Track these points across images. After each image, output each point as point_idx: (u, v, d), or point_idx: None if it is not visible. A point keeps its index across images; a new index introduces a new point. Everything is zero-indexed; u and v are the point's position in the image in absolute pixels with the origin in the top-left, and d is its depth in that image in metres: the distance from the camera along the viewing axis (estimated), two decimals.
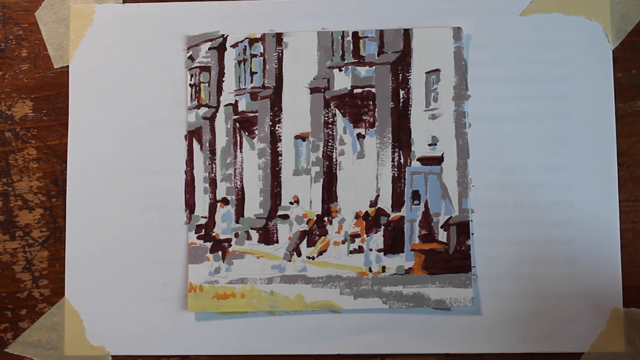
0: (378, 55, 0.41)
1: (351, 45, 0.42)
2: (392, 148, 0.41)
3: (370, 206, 0.41)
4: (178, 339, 0.41)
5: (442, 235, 0.40)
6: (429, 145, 0.41)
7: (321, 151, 0.41)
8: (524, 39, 0.41)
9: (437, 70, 0.41)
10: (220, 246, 0.41)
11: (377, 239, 0.40)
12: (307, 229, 0.41)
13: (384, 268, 0.40)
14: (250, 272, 0.41)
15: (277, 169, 0.41)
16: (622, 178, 0.41)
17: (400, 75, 0.41)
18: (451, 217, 0.40)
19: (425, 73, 0.41)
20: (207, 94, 0.42)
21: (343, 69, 0.41)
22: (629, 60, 0.41)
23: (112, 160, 0.42)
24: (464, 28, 0.41)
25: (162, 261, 0.41)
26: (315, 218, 0.41)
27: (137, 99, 0.42)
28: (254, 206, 0.41)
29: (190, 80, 0.42)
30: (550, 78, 0.41)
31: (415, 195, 0.41)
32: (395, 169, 0.41)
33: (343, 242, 0.41)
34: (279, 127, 0.42)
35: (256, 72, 0.42)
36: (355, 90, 0.41)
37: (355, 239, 0.41)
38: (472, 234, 0.40)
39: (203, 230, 0.41)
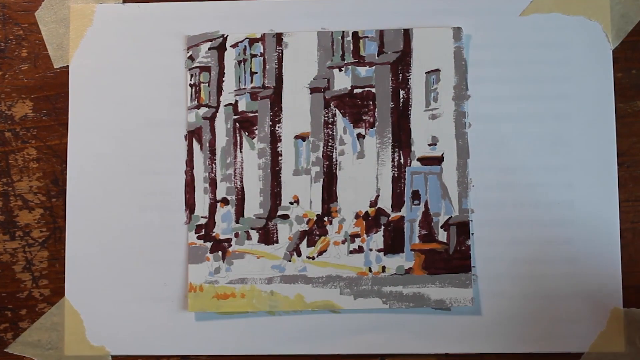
0: (378, 55, 0.41)
1: (351, 45, 0.42)
2: (392, 148, 0.41)
3: (370, 206, 0.41)
4: (178, 339, 0.41)
5: (442, 235, 0.40)
6: (429, 145, 0.41)
7: (321, 151, 0.41)
8: (524, 39, 0.41)
9: (437, 70, 0.41)
10: (220, 246, 0.41)
11: (377, 239, 0.40)
12: (307, 229, 0.41)
13: (384, 268, 0.40)
14: (250, 272, 0.41)
15: (277, 169, 0.41)
16: (622, 178, 0.41)
17: (400, 75, 0.41)
18: (451, 217, 0.40)
19: (425, 73, 0.41)
20: (207, 94, 0.42)
21: (343, 69, 0.41)
22: (629, 60, 0.41)
23: (112, 160, 0.42)
24: (464, 28, 0.41)
25: (162, 261, 0.41)
26: (315, 218, 0.41)
27: (137, 99, 0.42)
28: (254, 206, 0.41)
29: (190, 80, 0.42)
30: (550, 78, 0.41)
31: (415, 195, 0.41)
32: (395, 169, 0.41)
33: (343, 242, 0.41)
34: (279, 127, 0.42)
35: (256, 72, 0.42)
36: (355, 90, 0.41)
37: (355, 239, 0.41)
38: (472, 234, 0.40)
39: (203, 230, 0.41)
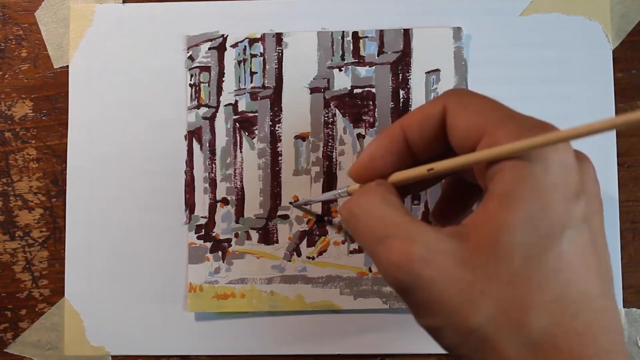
0: (378, 55, 0.41)
1: (351, 45, 0.42)
2: None
3: None
4: (178, 339, 0.41)
5: None
6: None
7: (321, 151, 0.41)
8: (524, 39, 0.41)
9: (437, 70, 0.41)
10: (220, 246, 0.41)
11: None
12: (307, 229, 0.41)
13: None
14: (250, 272, 0.41)
15: (277, 169, 0.41)
16: (622, 178, 0.41)
17: (400, 75, 0.41)
18: None
19: (425, 73, 0.41)
20: (207, 94, 0.42)
21: (343, 69, 0.41)
22: (629, 60, 0.41)
23: (112, 160, 0.42)
24: (464, 28, 0.41)
25: (162, 261, 0.41)
26: (315, 218, 0.41)
27: (137, 99, 0.42)
28: (254, 206, 0.41)
29: (190, 80, 0.42)
30: (550, 78, 0.41)
31: (415, 195, 0.41)
32: None
33: (343, 242, 0.41)
34: (279, 127, 0.42)
35: (256, 72, 0.42)
36: (355, 90, 0.41)
37: None
38: None
39: (203, 230, 0.41)
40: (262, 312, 0.41)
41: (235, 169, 0.41)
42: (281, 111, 0.42)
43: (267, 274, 0.41)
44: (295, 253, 0.41)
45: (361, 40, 0.42)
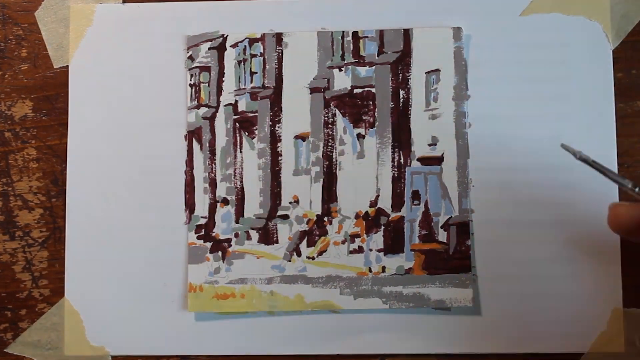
0: (378, 55, 0.41)
1: (351, 45, 0.42)
2: (392, 148, 0.41)
3: (370, 206, 0.41)
4: (178, 339, 0.41)
5: (442, 236, 0.40)
6: (429, 145, 0.41)
7: (321, 151, 0.41)
8: (524, 39, 0.41)
9: (437, 70, 0.41)
10: (220, 246, 0.41)
11: (377, 239, 0.40)
12: (307, 229, 0.41)
13: (384, 268, 0.40)
14: (250, 272, 0.41)
15: (277, 169, 0.41)
16: None
17: (400, 75, 0.41)
18: (451, 217, 0.40)
19: (425, 73, 0.41)
20: (207, 94, 0.42)
21: (343, 69, 0.41)
22: (629, 60, 0.41)
23: (112, 160, 0.42)
24: (464, 28, 0.41)
25: (162, 261, 0.41)
26: (315, 218, 0.41)
27: (137, 99, 0.42)
28: (253, 206, 0.41)
29: (190, 80, 0.42)
30: (550, 78, 0.41)
31: (415, 195, 0.41)
32: (395, 169, 0.41)
33: (343, 242, 0.41)
34: (278, 127, 0.42)
35: (256, 72, 0.42)
36: (355, 90, 0.41)
37: (355, 239, 0.41)
38: (472, 234, 0.40)
39: (203, 230, 0.41)
40: (262, 312, 0.41)
41: (235, 169, 0.41)
42: (281, 111, 0.42)
43: (267, 274, 0.41)
44: (295, 253, 0.41)
45: (361, 40, 0.42)
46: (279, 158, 0.41)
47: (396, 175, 0.41)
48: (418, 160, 0.41)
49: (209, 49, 0.42)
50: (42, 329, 0.42)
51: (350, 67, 0.41)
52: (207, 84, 0.42)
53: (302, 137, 0.41)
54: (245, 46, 0.42)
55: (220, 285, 0.41)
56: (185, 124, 0.42)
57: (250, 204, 0.41)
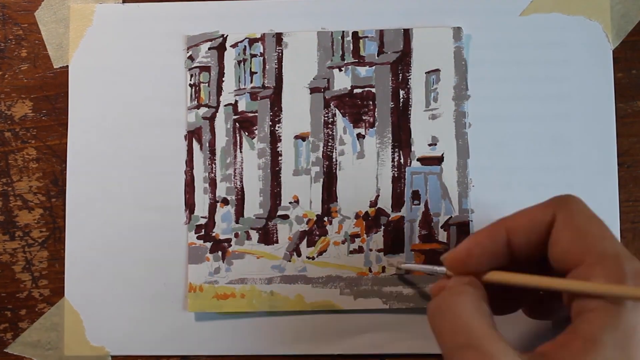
0: (378, 55, 0.41)
1: (351, 45, 0.42)
2: (392, 148, 0.41)
3: (370, 206, 0.41)
4: (178, 339, 0.41)
5: (442, 236, 0.40)
6: (429, 145, 0.41)
7: (321, 151, 0.41)
8: (524, 39, 0.41)
9: (437, 70, 0.41)
10: (220, 246, 0.41)
11: (377, 239, 0.40)
12: (307, 229, 0.41)
13: (384, 268, 0.40)
14: (250, 272, 0.41)
15: (277, 169, 0.41)
16: (622, 178, 0.41)
17: (400, 75, 0.41)
18: (451, 217, 0.40)
19: (425, 73, 0.41)
20: (207, 94, 0.42)
21: (343, 69, 0.41)
22: (629, 60, 0.41)
23: (112, 160, 0.42)
24: (464, 28, 0.41)
25: (162, 261, 0.41)
26: (315, 218, 0.41)
27: (137, 99, 0.42)
28: (253, 206, 0.41)
29: (190, 80, 0.42)
30: (550, 78, 0.41)
31: (415, 195, 0.41)
32: (395, 169, 0.41)
33: (343, 242, 0.41)
34: (278, 127, 0.42)
35: (256, 72, 0.42)
36: (355, 90, 0.41)
37: (355, 239, 0.41)
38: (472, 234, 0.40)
39: (203, 230, 0.41)
40: (262, 312, 0.41)
41: (235, 169, 0.41)
42: (281, 111, 0.42)
43: (267, 274, 0.41)
44: (295, 253, 0.41)
45: (361, 40, 0.42)
46: (279, 158, 0.41)
47: (396, 175, 0.41)
48: (418, 160, 0.41)
49: (209, 49, 0.42)
50: (42, 329, 0.42)
51: (350, 67, 0.41)
52: (207, 84, 0.42)
53: (302, 137, 0.41)
54: (245, 46, 0.42)
55: (220, 285, 0.41)
56: (185, 124, 0.42)
57: (250, 204, 0.41)
